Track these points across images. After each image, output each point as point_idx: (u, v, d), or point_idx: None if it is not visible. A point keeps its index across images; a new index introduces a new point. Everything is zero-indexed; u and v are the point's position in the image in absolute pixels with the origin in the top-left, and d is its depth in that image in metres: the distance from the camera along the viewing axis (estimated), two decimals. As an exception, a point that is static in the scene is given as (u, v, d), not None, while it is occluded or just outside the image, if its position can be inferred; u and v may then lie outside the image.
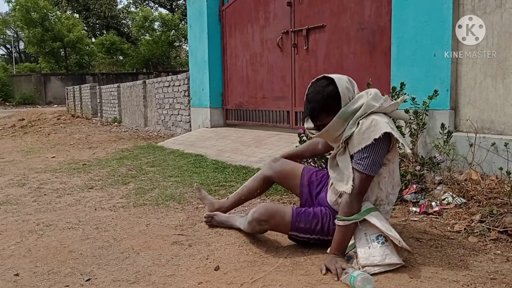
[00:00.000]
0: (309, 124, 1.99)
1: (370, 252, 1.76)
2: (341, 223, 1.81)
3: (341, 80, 1.84)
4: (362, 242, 1.80)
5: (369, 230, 1.81)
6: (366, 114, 1.81)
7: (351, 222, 1.79)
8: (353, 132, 1.80)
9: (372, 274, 1.71)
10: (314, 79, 1.90)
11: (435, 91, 3.04)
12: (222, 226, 2.38)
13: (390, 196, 1.93)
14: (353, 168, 1.81)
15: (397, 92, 3.12)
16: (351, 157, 1.83)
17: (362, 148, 1.78)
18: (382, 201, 1.91)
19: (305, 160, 2.78)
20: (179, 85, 7.37)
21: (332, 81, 1.84)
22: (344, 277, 1.66)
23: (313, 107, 1.84)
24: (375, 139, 1.76)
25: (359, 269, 1.73)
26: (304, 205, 2.19)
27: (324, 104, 1.82)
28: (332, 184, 1.96)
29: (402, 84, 3.13)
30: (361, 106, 1.82)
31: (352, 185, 1.78)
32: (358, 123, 1.80)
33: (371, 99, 1.83)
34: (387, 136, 1.78)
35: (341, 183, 1.84)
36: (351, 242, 1.85)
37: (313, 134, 1.96)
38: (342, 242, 1.83)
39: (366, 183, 1.81)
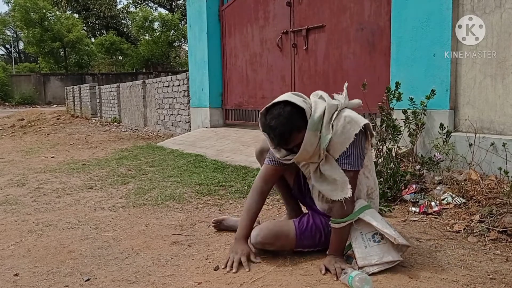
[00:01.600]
0: (280, 152, 1.87)
1: (367, 252, 1.77)
2: (336, 225, 1.80)
3: (291, 97, 1.77)
4: (358, 241, 1.80)
5: (365, 229, 1.81)
6: (335, 116, 1.76)
7: (346, 224, 1.79)
8: (331, 137, 1.75)
9: (371, 274, 1.71)
10: (263, 109, 1.79)
11: (432, 90, 3.05)
12: (229, 230, 2.33)
13: (375, 181, 1.97)
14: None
15: (393, 92, 3.12)
16: (336, 161, 1.79)
17: (346, 148, 1.76)
18: (373, 188, 1.94)
19: None
20: (179, 85, 7.37)
21: (284, 101, 1.75)
22: (343, 277, 1.66)
23: (282, 131, 1.72)
24: (356, 134, 1.74)
25: (358, 269, 1.73)
26: (293, 194, 2.18)
27: (292, 123, 1.72)
28: (320, 195, 1.92)
29: (398, 84, 3.14)
30: (324, 110, 1.76)
31: (350, 188, 1.76)
32: (332, 126, 1.75)
33: (329, 100, 1.80)
34: (363, 127, 1.77)
35: (335, 192, 1.78)
36: (348, 241, 1.85)
37: (290, 159, 1.85)
38: (339, 243, 1.83)
39: (355, 180, 1.82)
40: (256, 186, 2.02)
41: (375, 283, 1.64)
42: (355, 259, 1.78)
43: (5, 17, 37.31)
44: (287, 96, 1.77)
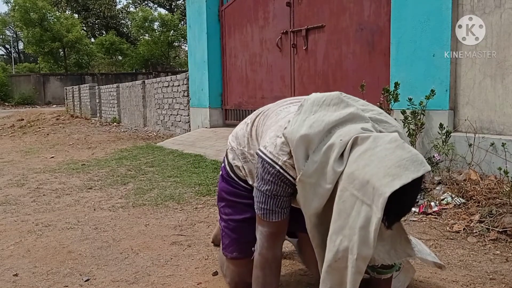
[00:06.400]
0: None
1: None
2: (386, 276, 1.38)
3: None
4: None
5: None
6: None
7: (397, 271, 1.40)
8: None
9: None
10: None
11: (432, 90, 3.05)
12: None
13: None
14: None
15: (391, 93, 3.12)
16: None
17: None
18: None
19: None
20: (178, 85, 7.37)
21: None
22: None
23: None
24: None
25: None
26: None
27: None
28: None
29: (397, 84, 3.14)
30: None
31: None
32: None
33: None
34: None
35: (394, 252, 1.28)
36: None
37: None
38: None
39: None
40: (275, 255, 1.38)
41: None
42: None
43: (5, 17, 37.30)
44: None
